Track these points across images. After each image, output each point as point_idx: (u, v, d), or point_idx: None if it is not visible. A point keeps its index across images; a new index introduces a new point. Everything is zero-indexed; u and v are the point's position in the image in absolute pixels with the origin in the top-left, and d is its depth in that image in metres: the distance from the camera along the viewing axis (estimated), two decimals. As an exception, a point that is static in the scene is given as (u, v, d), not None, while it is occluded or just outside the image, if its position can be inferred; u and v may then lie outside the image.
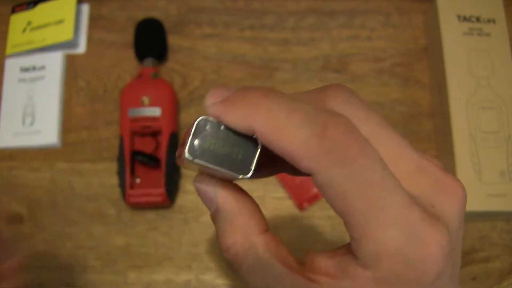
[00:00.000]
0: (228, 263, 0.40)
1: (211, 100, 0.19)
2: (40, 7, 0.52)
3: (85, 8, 0.53)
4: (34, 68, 0.51)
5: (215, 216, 0.20)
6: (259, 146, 0.19)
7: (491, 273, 0.44)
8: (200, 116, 0.19)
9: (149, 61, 0.49)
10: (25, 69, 0.50)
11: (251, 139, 0.19)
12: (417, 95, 0.50)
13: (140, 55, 0.49)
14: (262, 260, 0.19)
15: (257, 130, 0.17)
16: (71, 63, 0.51)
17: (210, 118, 0.19)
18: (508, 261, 0.44)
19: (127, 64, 0.51)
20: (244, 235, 0.19)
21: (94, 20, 0.52)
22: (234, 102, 0.18)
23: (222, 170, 0.19)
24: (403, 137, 0.19)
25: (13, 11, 0.53)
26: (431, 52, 0.50)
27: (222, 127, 0.19)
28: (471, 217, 0.45)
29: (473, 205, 0.42)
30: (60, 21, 0.51)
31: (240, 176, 0.19)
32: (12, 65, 0.51)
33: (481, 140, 0.44)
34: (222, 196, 0.20)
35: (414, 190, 0.18)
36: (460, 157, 0.43)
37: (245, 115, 0.18)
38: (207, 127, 0.19)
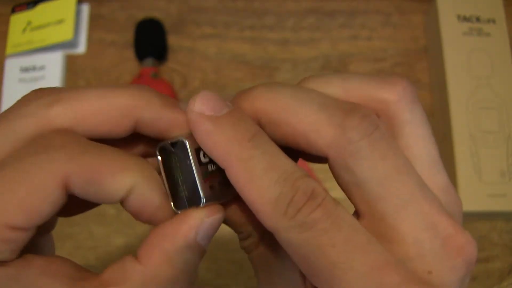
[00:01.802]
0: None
1: (198, 108, 0.17)
2: (40, 7, 0.52)
3: (85, 8, 0.53)
4: (34, 68, 0.51)
5: None
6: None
7: (491, 273, 0.44)
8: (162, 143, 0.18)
9: (149, 61, 0.49)
10: (25, 69, 0.50)
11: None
12: (417, 95, 0.50)
13: (140, 55, 0.49)
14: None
15: (231, 171, 0.16)
16: (71, 63, 0.51)
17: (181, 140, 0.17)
18: (508, 261, 0.44)
19: (127, 64, 0.51)
20: None
21: (94, 20, 0.52)
22: (222, 129, 0.17)
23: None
24: (443, 176, 0.18)
25: (13, 11, 0.53)
26: (431, 52, 0.50)
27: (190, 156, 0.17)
28: (471, 217, 0.45)
29: (473, 205, 0.42)
30: (60, 21, 0.51)
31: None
32: (12, 65, 0.51)
33: (481, 140, 0.44)
34: None
35: (413, 250, 0.16)
36: (460, 157, 0.43)
37: (226, 148, 0.16)
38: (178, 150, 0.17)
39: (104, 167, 0.17)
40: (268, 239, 0.20)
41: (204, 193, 0.17)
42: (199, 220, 0.17)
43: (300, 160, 0.20)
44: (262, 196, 0.16)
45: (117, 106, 0.17)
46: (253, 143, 0.16)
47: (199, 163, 0.17)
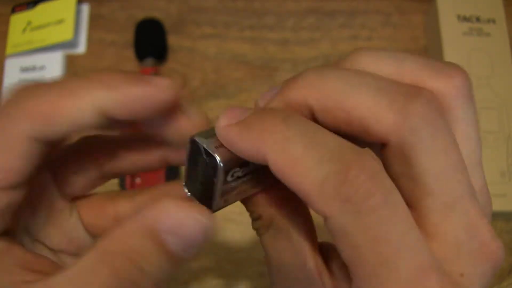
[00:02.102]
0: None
1: (225, 122, 0.16)
2: (40, 7, 0.52)
3: (85, 8, 0.53)
4: (34, 68, 0.51)
5: None
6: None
7: (491, 273, 0.44)
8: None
9: (149, 61, 0.49)
10: (25, 69, 0.51)
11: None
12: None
13: (140, 55, 0.49)
14: None
15: (269, 159, 0.15)
16: (71, 63, 0.51)
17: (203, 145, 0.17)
18: (508, 261, 0.44)
19: (127, 64, 0.51)
20: None
21: (94, 20, 0.52)
22: (250, 126, 0.16)
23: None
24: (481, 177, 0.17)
25: (13, 11, 0.53)
26: (431, 52, 0.50)
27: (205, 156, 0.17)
28: (471, 217, 0.45)
29: (473, 205, 0.42)
30: (60, 21, 0.51)
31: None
32: (12, 65, 0.51)
33: (481, 140, 0.44)
34: None
35: (451, 251, 0.15)
36: (460, 157, 0.43)
37: (259, 141, 0.15)
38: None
39: (60, 100, 0.17)
40: (280, 221, 0.19)
41: (215, 207, 0.17)
42: (165, 213, 0.15)
43: None
44: (306, 178, 0.14)
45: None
46: (285, 125, 0.15)
47: (224, 182, 0.17)
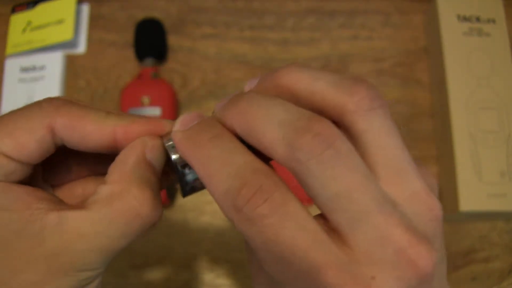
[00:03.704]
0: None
1: (177, 127, 0.21)
2: (40, 7, 0.52)
3: (85, 8, 0.53)
4: (34, 68, 0.51)
5: None
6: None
7: (491, 273, 0.44)
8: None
9: (149, 61, 0.49)
10: (25, 69, 0.51)
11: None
12: (417, 95, 0.50)
13: (140, 55, 0.49)
14: None
15: (196, 172, 0.19)
16: (71, 63, 0.51)
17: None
18: (508, 261, 0.44)
19: (127, 64, 0.51)
20: None
21: (94, 20, 0.52)
22: (187, 137, 0.20)
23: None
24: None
25: (13, 11, 0.53)
26: (431, 52, 0.50)
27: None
28: (471, 217, 0.45)
29: (473, 205, 0.42)
30: (60, 21, 0.51)
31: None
32: (12, 65, 0.51)
33: (481, 140, 0.44)
34: None
35: (363, 257, 0.17)
36: (460, 157, 0.43)
37: (190, 152, 0.19)
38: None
39: (86, 115, 0.21)
40: None
41: (184, 194, 0.22)
42: (143, 143, 0.21)
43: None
44: (217, 189, 0.18)
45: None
46: (212, 144, 0.19)
47: (182, 173, 0.21)
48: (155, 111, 0.46)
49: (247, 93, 0.20)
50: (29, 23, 0.52)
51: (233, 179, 0.17)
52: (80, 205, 0.20)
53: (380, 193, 0.17)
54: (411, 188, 0.18)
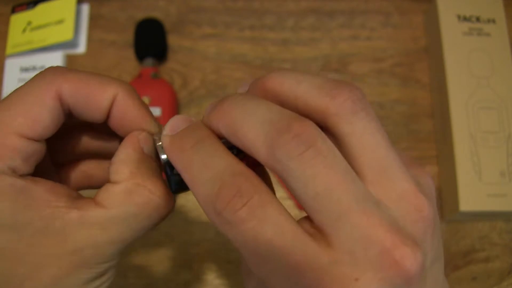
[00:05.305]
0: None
1: (166, 130, 0.21)
2: (40, 7, 0.52)
3: (85, 8, 0.53)
4: (34, 68, 0.51)
5: None
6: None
7: (491, 273, 0.44)
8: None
9: (149, 61, 0.49)
10: (25, 69, 0.51)
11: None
12: (417, 95, 0.50)
13: (140, 55, 0.49)
14: None
15: (179, 172, 0.20)
16: (71, 63, 0.51)
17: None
18: (508, 261, 0.44)
19: (127, 64, 0.51)
20: None
21: (94, 20, 0.52)
22: (173, 141, 0.20)
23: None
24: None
25: (13, 11, 0.53)
26: (431, 52, 0.50)
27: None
28: (471, 217, 0.45)
29: (473, 205, 0.42)
30: (60, 21, 0.51)
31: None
32: (12, 65, 0.51)
33: (481, 140, 0.44)
34: None
35: (346, 258, 0.17)
36: (460, 157, 0.43)
37: (175, 155, 0.20)
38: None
39: (90, 80, 0.21)
40: None
41: (174, 191, 0.22)
42: (137, 138, 0.22)
43: None
44: (198, 193, 0.18)
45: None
46: (194, 149, 0.19)
47: (171, 173, 0.22)
48: (155, 111, 0.46)
49: (232, 95, 0.20)
50: (29, 23, 0.52)
51: (213, 182, 0.18)
52: (97, 202, 0.21)
53: (362, 193, 0.17)
54: (398, 189, 0.17)
